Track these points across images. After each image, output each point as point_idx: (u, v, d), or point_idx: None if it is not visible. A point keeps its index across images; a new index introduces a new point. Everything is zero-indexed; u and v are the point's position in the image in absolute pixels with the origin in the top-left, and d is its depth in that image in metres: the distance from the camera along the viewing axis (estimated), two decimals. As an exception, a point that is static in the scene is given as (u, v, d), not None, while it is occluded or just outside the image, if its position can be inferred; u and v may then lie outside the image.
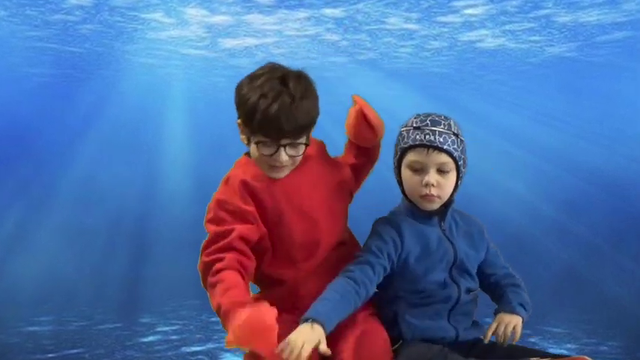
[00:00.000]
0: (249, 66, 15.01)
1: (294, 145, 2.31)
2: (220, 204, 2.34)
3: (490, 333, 2.37)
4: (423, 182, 2.31)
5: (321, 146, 2.55)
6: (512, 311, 2.39)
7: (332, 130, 2.74)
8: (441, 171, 2.32)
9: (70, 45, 15.82)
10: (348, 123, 2.57)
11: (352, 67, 17.28)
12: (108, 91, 20.39)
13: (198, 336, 8.43)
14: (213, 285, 2.19)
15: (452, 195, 2.38)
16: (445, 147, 2.30)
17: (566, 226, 15.44)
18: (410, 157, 2.33)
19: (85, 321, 9.21)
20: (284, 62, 2.38)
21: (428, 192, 2.31)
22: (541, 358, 2.30)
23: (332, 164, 2.54)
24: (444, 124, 2.32)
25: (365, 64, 17.19)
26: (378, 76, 18.22)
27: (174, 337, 8.39)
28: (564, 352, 6.77)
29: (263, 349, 2.06)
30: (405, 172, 2.36)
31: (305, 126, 2.29)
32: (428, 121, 2.32)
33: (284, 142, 2.29)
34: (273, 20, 13.67)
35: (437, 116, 2.35)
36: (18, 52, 16.28)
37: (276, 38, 14.93)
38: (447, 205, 2.39)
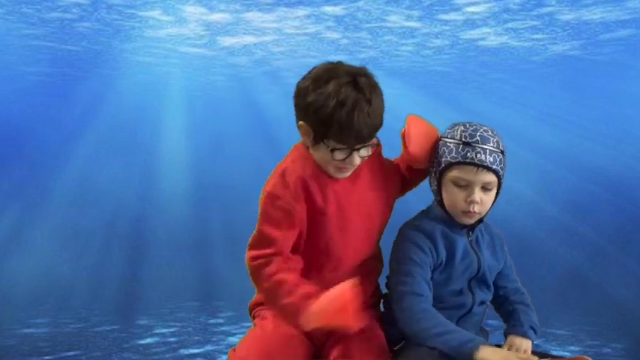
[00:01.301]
0: (248, 64, 15.19)
1: (366, 146, 2.29)
2: (273, 200, 2.32)
3: None
4: (468, 200, 2.30)
5: (378, 150, 2.49)
6: (524, 335, 2.41)
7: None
8: (485, 189, 2.31)
9: (66, 43, 15.83)
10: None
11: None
12: (105, 90, 20.46)
13: (196, 338, 8.33)
14: (272, 288, 2.27)
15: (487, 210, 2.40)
16: (494, 167, 2.28)
17: (571, 227, 15.34)
18: (456, 172, 2.31)
19: (81, 323, 9.08)
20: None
21: (471, 209, 2.30)
22: (541, 358, 2.30)
23: (384, 174, 2.51)
24: (492, 141, 2.29)
25: (366, 62, 16.55)
26: (379, 74, 17.32)
27: (172, 339, 8.27)
28: (567, 354, 6.67)
29: (343, 323, 2.16)
30: (448, 186, 2.33)
31: (378, 128, 2.29)
32: (478, 137, 2.29)
33: (358, 146, 2.27)
34: (272, 18, 13.67)
35: (485, 131, 2.31)
36: (14, 50, 16.27)
37: (275, 36, 14.93)
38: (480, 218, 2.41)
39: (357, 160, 2.28)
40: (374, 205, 2.43)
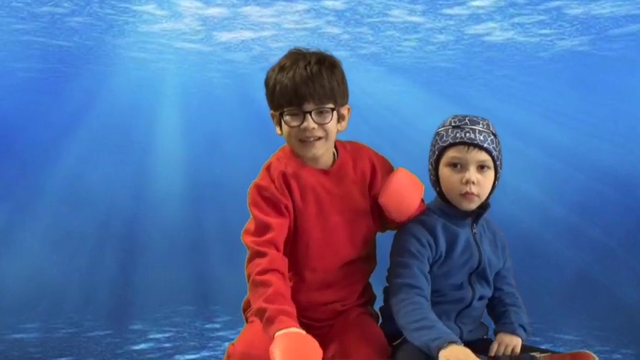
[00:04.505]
0: (245, 60, 15.20)
1: (320, 112, 2.38)
2: (259, 190, 2.43)
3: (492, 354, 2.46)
4: (464, 180, 2.38)
5: (376, 163, 2.58)
6: (513, 332, 2.50)
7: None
8: (481, 169, 2.40)
9: (58, 38, 15.70)
10: None
11: (354, 61, 17.14)
12: (98, 86, 20.41)
13: (192, 343, 8.28)
14: (258, 284, 2.31)
15: (488, 196, 2.46)
16: (485, 145, 2.39)
17: (579, 228, 15.34)
18: (450, 154, 2.41)
19: (73, 328, 9.02)
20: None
21: (468, 190, 2.38)
22: (541, 352, 2.40)
23: (374, 181, 2.56)
24: (482, 123, 2.43)
25: (367, 58, 17.19)
26: (381, 71, 18.31)
27: (167, 344, 8.22)
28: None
29: None
30: (444, 171, 2.43)
31: (326, 89, 2.37)
32: (467, 121, 2.43)
33: (308, 107, 2.37)
34: (270, 12, 13.61)
35: (474, 117, 2.45)
36: (3, 45, 16.13)
37: (274, 31, 14.89)
38: (482, 207, 2.47)
39: (311, 124, 2.36)
40: (360, 210, 2.51)
